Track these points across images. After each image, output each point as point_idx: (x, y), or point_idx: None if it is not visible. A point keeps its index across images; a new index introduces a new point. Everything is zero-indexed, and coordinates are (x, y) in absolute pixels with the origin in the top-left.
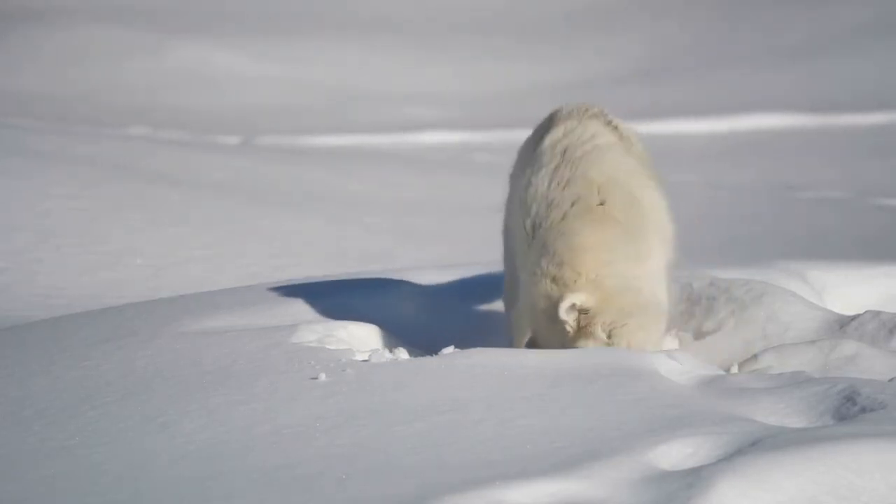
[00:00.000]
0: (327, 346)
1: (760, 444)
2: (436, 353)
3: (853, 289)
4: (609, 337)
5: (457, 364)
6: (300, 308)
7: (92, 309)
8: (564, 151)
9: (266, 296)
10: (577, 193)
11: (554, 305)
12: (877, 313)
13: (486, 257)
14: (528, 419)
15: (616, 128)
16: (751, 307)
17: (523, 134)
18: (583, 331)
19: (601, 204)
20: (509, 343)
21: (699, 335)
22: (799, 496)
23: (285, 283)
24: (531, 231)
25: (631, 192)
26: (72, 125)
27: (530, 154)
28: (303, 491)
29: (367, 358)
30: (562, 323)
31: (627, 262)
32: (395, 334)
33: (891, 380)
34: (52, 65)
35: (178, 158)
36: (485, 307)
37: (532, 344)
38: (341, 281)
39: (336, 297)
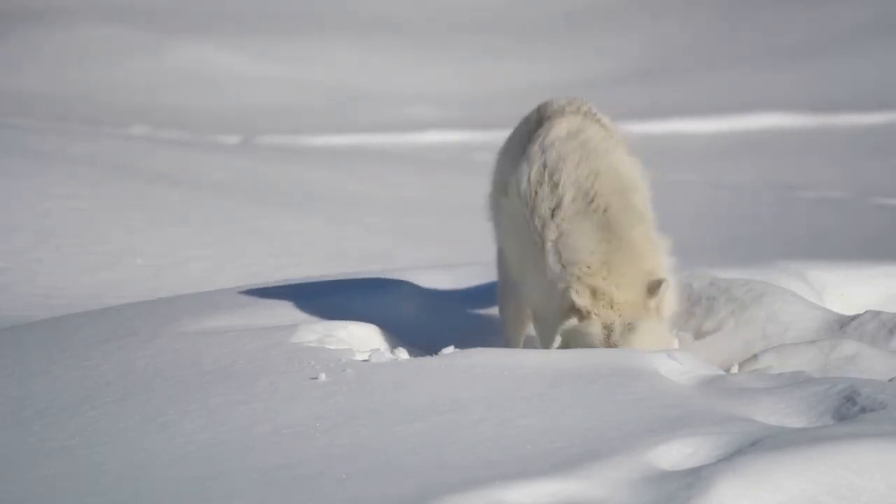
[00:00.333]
0: (327, 346)
1: (760, 444)
2: (436, 353)
3: (853, 289)
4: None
5: (457, 364)
6: (300, 308)
7: (92, 309)
8: (584, 144)
9: (266, 296)
10: (613, 186)
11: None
12: (877, 313)
13: (486, 257)
14: (528, 419)
15: (605, 126)
16: (751, 307)
17: None
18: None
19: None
20: (506, 343)
21: (699, 335)
22: (799, 496)
23: (285, 283)
24: (568, 213)
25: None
26: (72, 125)
27: (525, 147)
28: (303, 491)
29: (367, 358)
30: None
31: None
32: (395, 334)
33: (891, 380)
34: (52, 65)
35: (178, 158)
36: (485, 307)
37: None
38: (341, 281)
39: (336, 297)
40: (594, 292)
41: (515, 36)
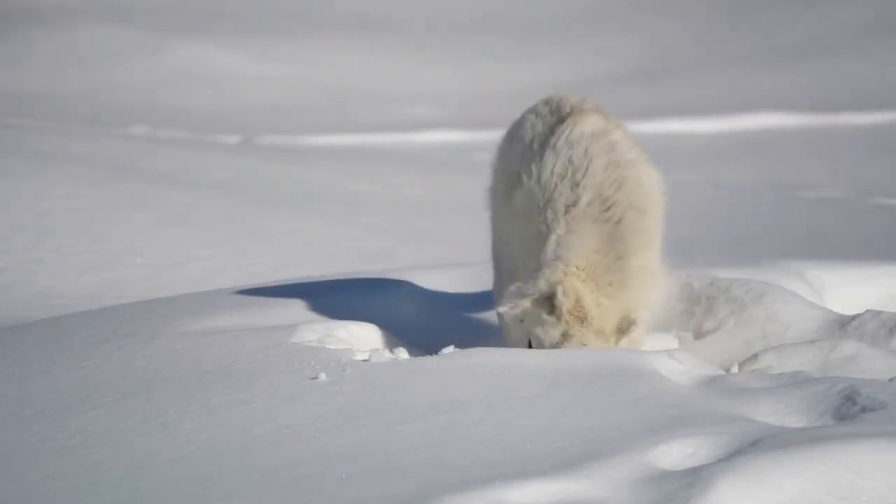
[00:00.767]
0: (327, 346)
1: (760, 444)
2: (436, 353)
3: (853, 289)
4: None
5: (457, 364)
6: (300, 308)
7: (92, 309)
8: (613, 148)
9: (266, 296)
10: (633, 201)
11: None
12: (877, 313)
13: (486, 257)
14: (528, 419)
15: (618, 125)
16: (751, 307)
17: None
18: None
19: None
20: (504, 342)
21: (699, 335)
22: (799, 496)
23: (285, 283)
24: (579, 214)
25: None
26: (72, 125)
27: (543, 139)
28: (303, 491)
29: (367, 358)
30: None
31: None
32: (395, 334)
33: (891, 380)
34: (52, 65)
35: (178, 158)
36: (485, 307)
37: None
38: (341, 281)
39: (336, 297)
40: (578, 301)
41: (515, 36)
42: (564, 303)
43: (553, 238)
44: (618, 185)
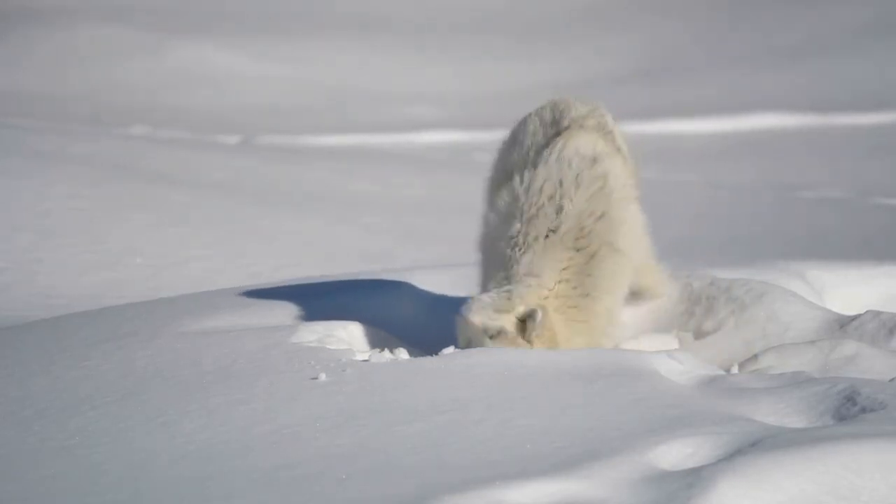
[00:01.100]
0: (327, 346)
1: (760, 444)
2: (436, 353)
3: (853, 289)
4: None
5: (457, 364)
6: (300, 308)
7: (92, 309)
8: (605, 178)
9: (266, 296)
10: (612, 238)
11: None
12: (877, 313)
13: None
14: (528, 419)
15: (623, 155)
16: (751, 307)
17: None
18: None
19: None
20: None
21: (699, 335)
22: (799, 496)
23: (285, 283)
24: (556, 241)
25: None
26: (72, 125)
27: (539, 147)
28: (303, 491)
29: (367, 358)
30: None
31: None
32: (395, 334)
33: (891, 380)
34: (52, 65)
35: (178, 158)
36: None
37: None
38: (341, 281)
39: (336, 297)
40: (551, 338)
41: (515, 36)
42: (542, 335)
43: (527, 258)
44: (598, 217)
